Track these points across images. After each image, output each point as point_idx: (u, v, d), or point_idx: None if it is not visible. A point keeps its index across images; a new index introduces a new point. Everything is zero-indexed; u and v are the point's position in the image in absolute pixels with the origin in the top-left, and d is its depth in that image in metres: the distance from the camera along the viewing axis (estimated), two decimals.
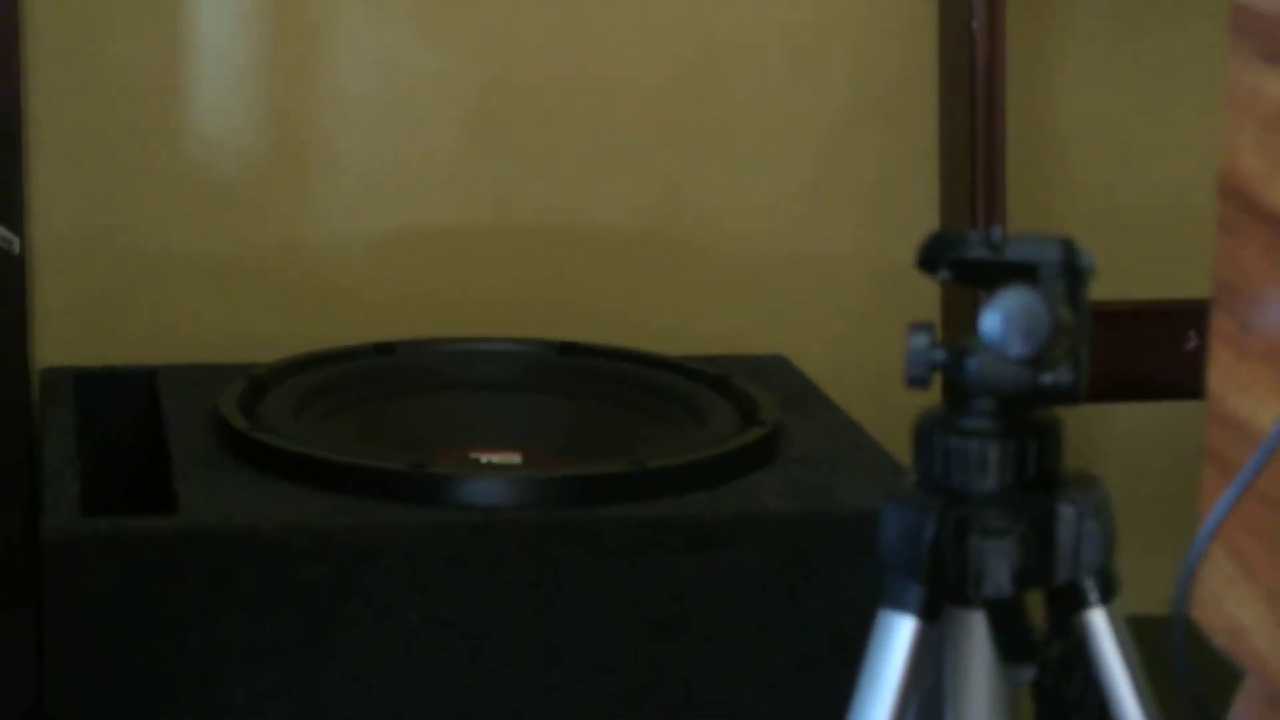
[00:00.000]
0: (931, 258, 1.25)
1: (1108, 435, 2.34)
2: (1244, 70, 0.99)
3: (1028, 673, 1.21)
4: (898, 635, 1.20)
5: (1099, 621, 1.22)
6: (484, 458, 1.88)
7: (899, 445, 1.69)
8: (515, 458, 1.89)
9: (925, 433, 1.22)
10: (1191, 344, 2.05)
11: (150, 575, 1.68)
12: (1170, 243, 2.29)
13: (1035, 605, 1.24)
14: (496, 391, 2.02)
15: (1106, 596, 1.22)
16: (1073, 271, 1.21)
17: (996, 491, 1.20)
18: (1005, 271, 1.21)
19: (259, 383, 1.95)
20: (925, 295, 2.16)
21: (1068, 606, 1.22)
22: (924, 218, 2.25)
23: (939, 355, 1.20)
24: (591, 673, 1.73)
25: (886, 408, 1.85)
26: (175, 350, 2.15)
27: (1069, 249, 1.21)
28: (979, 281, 1.25)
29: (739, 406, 1.94)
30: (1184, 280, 2.18)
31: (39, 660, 1.78)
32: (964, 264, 1.24)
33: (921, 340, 1.20)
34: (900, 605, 1.20)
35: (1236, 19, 1.00)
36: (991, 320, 1.17)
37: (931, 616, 1.20)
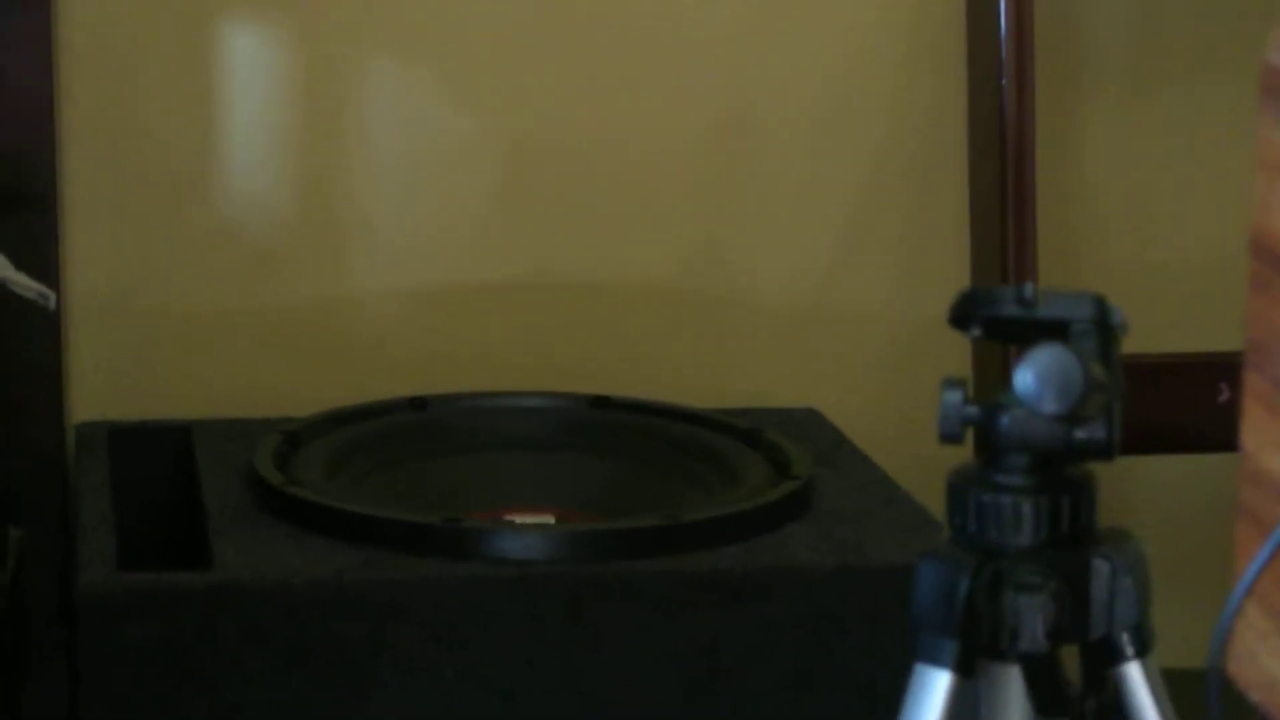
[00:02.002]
0: (964, 315, 1.26)
1: (1141, 487, 2.34)
2: (1274, 130, 1.00)
3: None
4: (933, 690, 1.20)
5: (1135, 675, 1.22)
6: (518, 519, 1.88)
7: (932, 499, 1.69)
8: (549, 519, 1.89)
9: (959, 488, 1.22)
10: (1224, 396, 2.05)
11: (185, 631, 1.68)
12: (1200, 297, 2.29)
13: (1071, 659, 1.24)
14: (528, 449, 2.02)
15: (1142, 651, 1.22)
16: (1104, 328, 1.22)
17: (1031, 547, 1.20)
18: (1037, 328, 1.22)
19: (293, 437, 1.95)
20: (956, 349, 2.16)
21: (1103, 661, 1.22)
22: (955, 274, 2.25)
23: (972, 412, 1.21)
24: None
25: (919, 461, 1.85)
26: (209, 405, 2.16)
27: (1101, 305, 1.22)
28: (1011, 338, 1.25)
29: (771, 460, 1.95)
30: (1214, 333, 2.18)
31: (72, 717, 1.78)
32: (996, 321, 1.25)
33: (955, 396, 1.20)
34: (935, 660, 1.21)
35: (1266, 79, 1.00)
36: (1024, 377, 1.18)
37: (967, 671, 1.21)
